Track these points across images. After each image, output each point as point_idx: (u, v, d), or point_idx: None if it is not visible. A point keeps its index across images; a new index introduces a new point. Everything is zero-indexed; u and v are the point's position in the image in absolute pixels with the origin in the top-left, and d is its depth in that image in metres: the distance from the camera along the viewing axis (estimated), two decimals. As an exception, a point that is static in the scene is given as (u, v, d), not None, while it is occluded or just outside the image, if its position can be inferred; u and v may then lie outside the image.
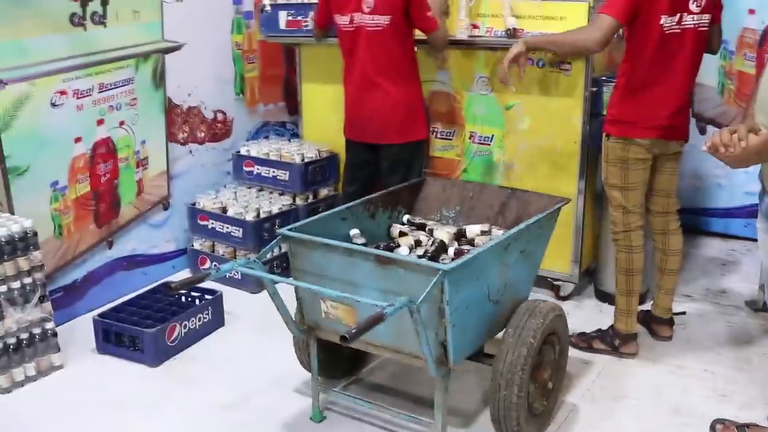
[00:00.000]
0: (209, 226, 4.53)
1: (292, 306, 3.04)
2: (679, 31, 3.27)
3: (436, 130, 4.42)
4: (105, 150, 4.14)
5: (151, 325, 3.63)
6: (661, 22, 3.23)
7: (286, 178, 4.68)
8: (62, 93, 3.85)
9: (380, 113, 3.95)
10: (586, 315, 4.09)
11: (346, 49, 4.02)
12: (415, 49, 4.03)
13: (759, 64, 4.81)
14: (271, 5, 4.56)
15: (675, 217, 3.71)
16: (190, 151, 4.75)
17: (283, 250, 4.36)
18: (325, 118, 4.80)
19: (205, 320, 3.87)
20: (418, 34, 4.02)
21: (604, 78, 4.01)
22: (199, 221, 4.58)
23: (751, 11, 4.90)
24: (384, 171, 4.06)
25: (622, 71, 3.42)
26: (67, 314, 3.99)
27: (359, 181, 4.17)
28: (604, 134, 3.52)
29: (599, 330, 3.75)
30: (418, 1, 3.83)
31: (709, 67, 4.71)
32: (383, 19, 3.83)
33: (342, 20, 3.95)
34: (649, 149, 3.43)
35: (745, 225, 5.10)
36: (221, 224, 4.48)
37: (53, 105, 3.81)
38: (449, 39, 4.12)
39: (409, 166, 4.01)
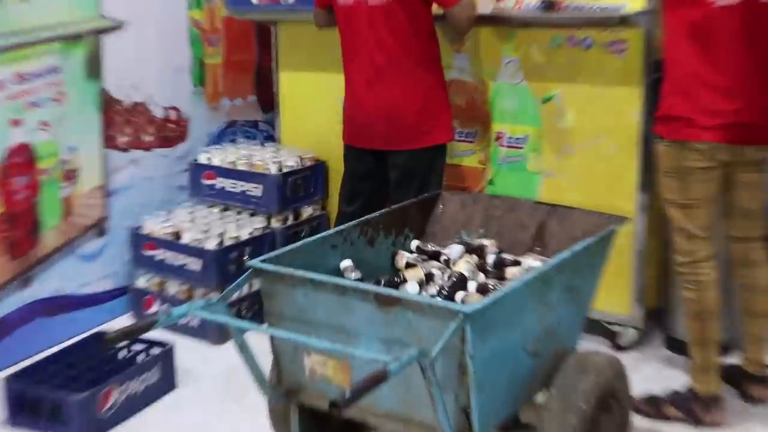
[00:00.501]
0: (158, 258, 4.54)
1: (266, 362, 3.02)
2: (735, 2, 3.28)
3: (451, 128, 4.36)
4: (21, 159, 4.14)
5: (78, 389, 3.59)
6: None
7: (259, 194, 4.69)
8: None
9: (390, 111, 3.96)
10: (655, 371, 4.08)
11: (345, 30, 4.04)
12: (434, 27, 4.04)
13: None
14: (240, -28, 4.63)
15: (759, 245, 3.71)
16: (134, 160, 4.76)
17: (254, 288, 4.35)
18: (309, 116, 4.84)
19: (151, 382, 3.85)
20: (436, 9, 4.03)
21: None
22: (144, 251, 4.59)
23: None
24: (393, 185, 4.06)
25: (669, 53, 3.46)
26: (-31, 374, 3.99)
27: (362, 199, 4.16)
28: (655, 135, 3.56)
29: (673, 392, 3.73)
30: None
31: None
32: None
33: None
34: (712, 155, 3.42)
35: None
36: (174, 255, 4.49)
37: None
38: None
39: (426, 178, 4.00)
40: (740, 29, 3.33)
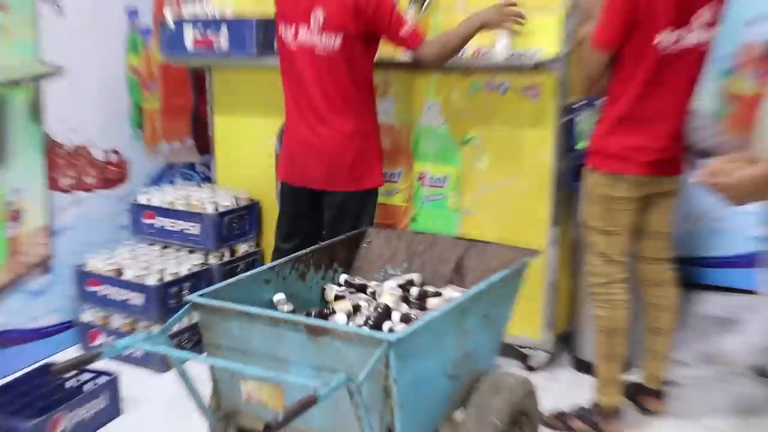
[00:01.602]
0: (101, 293, 4.53)
1: (206, 388, 3.04)
2: (677, 51, 3.40)
3: (382, 172, 4.30)
4: None
5: (30, 416, 3.59)
6: (657, 42, 3.37)
7: (197, 232, 4.70)
8: None
9: (330, 154, 3.91)
10: (562, 389, 4.16)
11: (290, 72, 3.98)
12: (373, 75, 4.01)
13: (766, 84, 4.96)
14: (176, 20, 4.57)
15: (668, 266, 3.82)
16: (77, 201, 4.74)
17: (193, 321, 4.34)
18: (243, 158, 4.84)
19: (98, 409, 3.85)
20: (384, 54, 4.05)
21: (579, 104, 4.06)
22: (88, 287, 4.58)
23: (754, 22, 5.09)
24: (327, 223, 4.03)
25: (610, 97, 3.55)
26: None
27: (299, 236, 4.11)
28: (587, 167, 3.62)
29: (579, 407, 3.82)
30: (383, 17, 3.78)
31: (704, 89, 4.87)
32: (335, 40, 3.79)
33: (286, 33, 3.90)
34: (638, 187, 3.54)
35: (749, 277, 5.24)
36: (117, 290, 4.48)
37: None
38: (393, 60, 4.17)
39: (358, 218, 3.98)
40: (682, 74, 3.46)
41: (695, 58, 3.47)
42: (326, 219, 4.03)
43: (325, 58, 3.82)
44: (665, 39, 3.37)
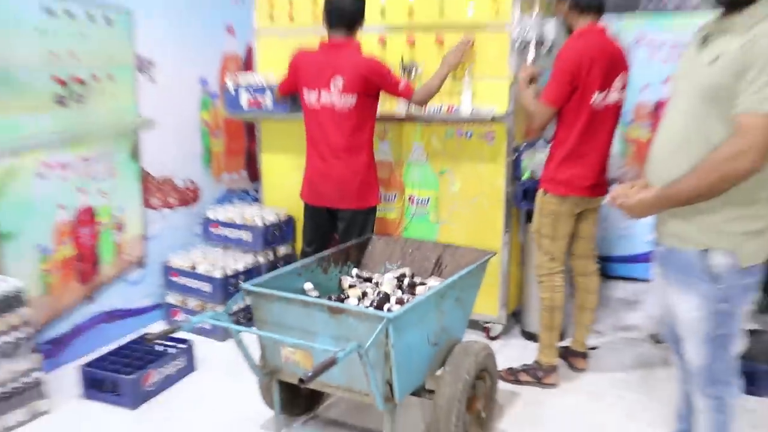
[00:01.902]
0: (181, 282, 4.50)
1: (256, 352, 3.04)
2: (604, 107, 3.43)
3: (379, 194, 4.28)
4: (87, 216, 4.10)
5: (130, 372, 3.59)
6: (592, 101, 3.39)
7: (249, 239, 4.65)
8: (48, 165, 3.83)
9: (342, 182, 3.82)
10: (513, 352, 4.12)
11: (312, 124, 3.85)
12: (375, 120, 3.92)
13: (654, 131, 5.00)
14: (234, 87, 4.56)
15: (594, 261, 3.80)
16: (164, 216, 4.71)
17: (246, 303, 4.35)
18: (282, 184, 4.78)
19: (178, 367, 3.83)
20: (384, 110, 4.04)
21: (522, 146, 4.10)
22: (171, 278, 4.55)
23: (645, 87, 5.11)
24: (341, 232, 3.93)
25: (557, 140, 3.53)
26: (55, 364, 3.92)
27: (317, 242, 4.03)
28: (540, 190, 3.60)
29: (525, 365, 3.79)
30: (385, 79, 3.71)
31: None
32: (351, 99, 3.68)
33: (309, 96, 3.80)
34: (578, 205, 3.55)
35: (646, 269, 5.24)
36: (192, 280, 4.45)
37: (39, 176, 3.78)
38: (389, 115, 4.16)
39: (363, 228, 3.91)
40: (607, 122, 3.46)
41: (614, 112, 3.50)
42: (339, 229, 3.95)
43: (343, 113, 3.74)
44: (596, 98, 3.39)
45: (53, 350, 3.95)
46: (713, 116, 2.25)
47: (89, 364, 3.70)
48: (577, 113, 3.42)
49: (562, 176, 3.51)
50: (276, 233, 4.71)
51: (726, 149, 2.20)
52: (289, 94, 4.14)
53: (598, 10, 3.46)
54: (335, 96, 3.72)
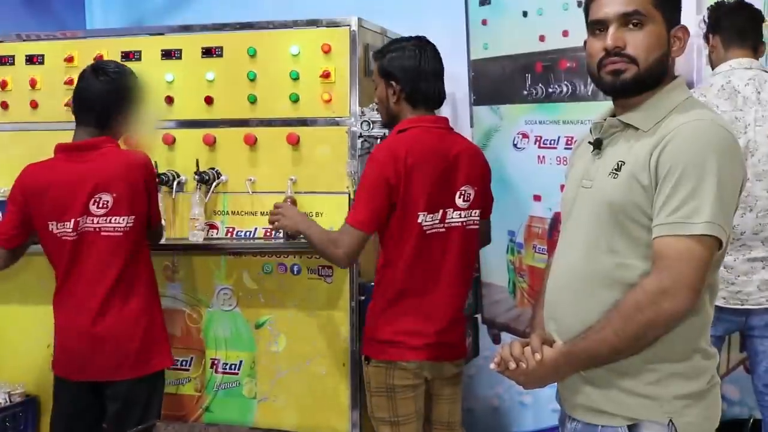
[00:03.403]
0: None
1: None
2: (443, 230, 3.50)
3: (170, 353, 4.18)
4: None
5: None
6: (420, 221, 3.44)
7: None
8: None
9: (113, 340, 3.66)
10: None
11: (64, 262, 3.71)
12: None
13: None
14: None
15: None
16: None
17: None
18: (19, 349, 4.59)
19: None
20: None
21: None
22: None
23: (537, 197, 5.29)
24: (112, 418, 3.74)
25: (378, 278, 3.58)
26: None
27: None
28: (363, 357, 3.62)
29: None
30: (156, 197, 3.84)
31: (498, 263, 5.02)
32: (125, 221, 3.66)
33: (60, 228, 3.69)
34: (418, 373, 3.52)
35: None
36: None
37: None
38: (181, 243, 4.19)
39: (147, 407, 3.75)
40: (450, 253, 3.52)
41: (464, 236, 3.57)
42: (109, 413, 3.75)
43: (113, 239, 3.65)
44: (425, 220, 3.47)
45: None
46: (624, 241, 2.33)
47: None
48: (401, 239, 3.48)
49: (387, 333, 3.51)
50: (8, 426, 4.44)
51: (647, 288, 2.26)
52: (22, 245, 3.89)
53: (437, 102, 3.62)
54: (102, 220, 3.66)
